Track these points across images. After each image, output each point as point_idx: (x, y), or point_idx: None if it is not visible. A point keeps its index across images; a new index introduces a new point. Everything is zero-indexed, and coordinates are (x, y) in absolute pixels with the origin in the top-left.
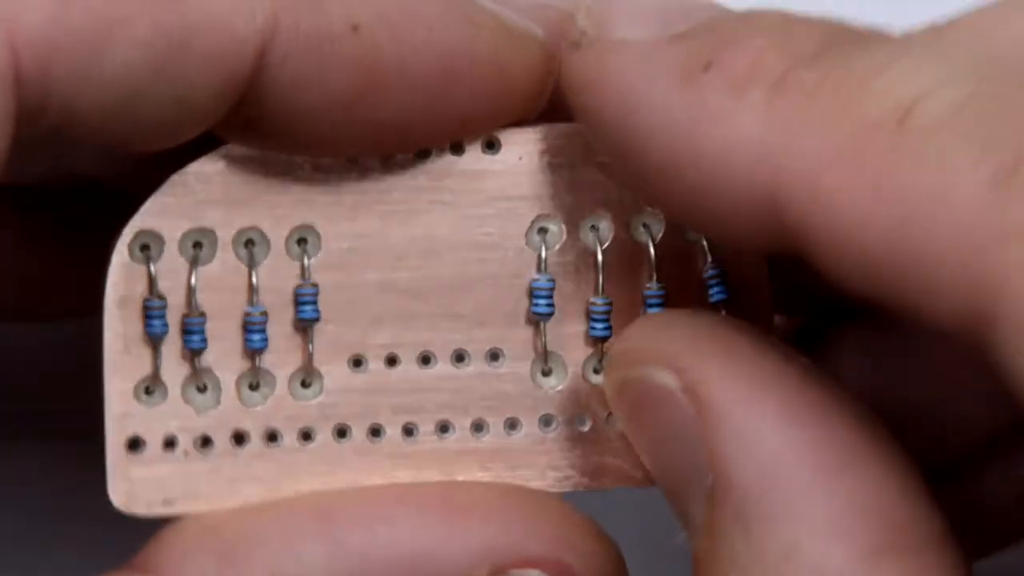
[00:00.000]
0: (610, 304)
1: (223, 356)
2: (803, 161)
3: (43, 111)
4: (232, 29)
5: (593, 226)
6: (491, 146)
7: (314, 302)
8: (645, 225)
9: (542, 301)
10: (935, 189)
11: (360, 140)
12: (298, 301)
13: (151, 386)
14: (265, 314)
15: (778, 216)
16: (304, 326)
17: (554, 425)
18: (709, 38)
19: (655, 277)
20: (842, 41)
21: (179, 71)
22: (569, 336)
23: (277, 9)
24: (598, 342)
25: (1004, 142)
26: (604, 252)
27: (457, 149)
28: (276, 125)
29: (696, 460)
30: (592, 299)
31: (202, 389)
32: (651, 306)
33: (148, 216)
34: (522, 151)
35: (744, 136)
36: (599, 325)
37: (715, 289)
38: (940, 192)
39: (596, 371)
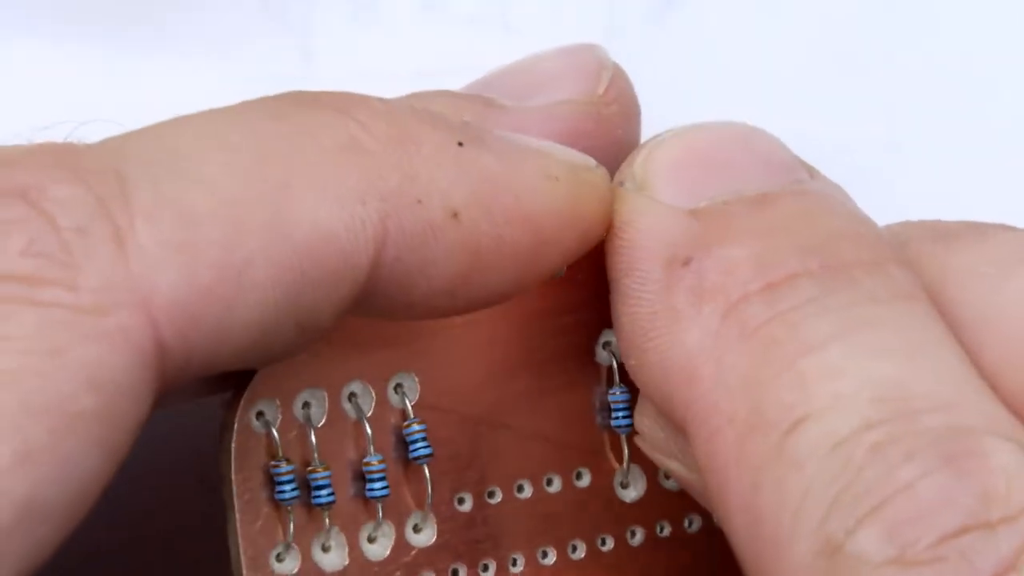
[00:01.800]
0: None
1: (341, 512)
2: (709, 408)
3: (184, 372)
4: (345, 249)
5: None
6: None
7: (425, 439)
8: None
9: (620, 414)
10: (781, 533)
11: (458, 311)
12: (409, 441)
13: (282, 553)
14: (384, 462)
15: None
16: (420, 463)
17: (639, 536)
18: (707, 226)
19: None
20: (824, 274)
21: (300, 299)
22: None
23: (384, 215)
24: None
25: (846, 509)
26: None
27: None
28: (380, 310)
29: None
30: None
31: (327, 549)
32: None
33: (260, 385)
34: (580, 269)
35: (684, 349)
36: None
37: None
38: (784, 542)
39: (667, 476)
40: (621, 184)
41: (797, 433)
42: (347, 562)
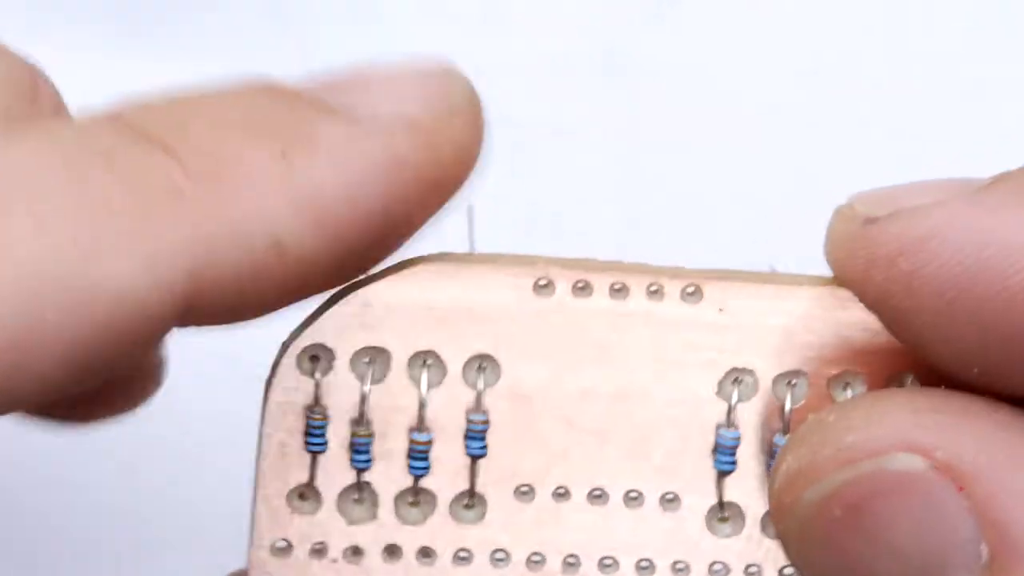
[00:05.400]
0: None
1: (385, 472)
2: None
3: None
4: (149, 312)
5: (790, 382)
6: (692, 294)
7: (483, 437)
8: (847, 384)
9: (725, 457)
10: None
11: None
12: (468, 434)
13: (305, 493)
14: (430, 442)
15: None
16: (471, 459)
17: (724, 573)
18: None
19: None
20: None
21: (97, 357)
22: (752, 489)
23: (193, 270)
24: None
25: None
26: (797, 409)
27: (656, 295)
28: (200, 325)
29: (958, 539)
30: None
31: (359, 501)
32: None
33: (321, 331)
34: (723, 304)
35: None
36: None
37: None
38: None
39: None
40: (873, 220)
41: None
42: (376, 518)
